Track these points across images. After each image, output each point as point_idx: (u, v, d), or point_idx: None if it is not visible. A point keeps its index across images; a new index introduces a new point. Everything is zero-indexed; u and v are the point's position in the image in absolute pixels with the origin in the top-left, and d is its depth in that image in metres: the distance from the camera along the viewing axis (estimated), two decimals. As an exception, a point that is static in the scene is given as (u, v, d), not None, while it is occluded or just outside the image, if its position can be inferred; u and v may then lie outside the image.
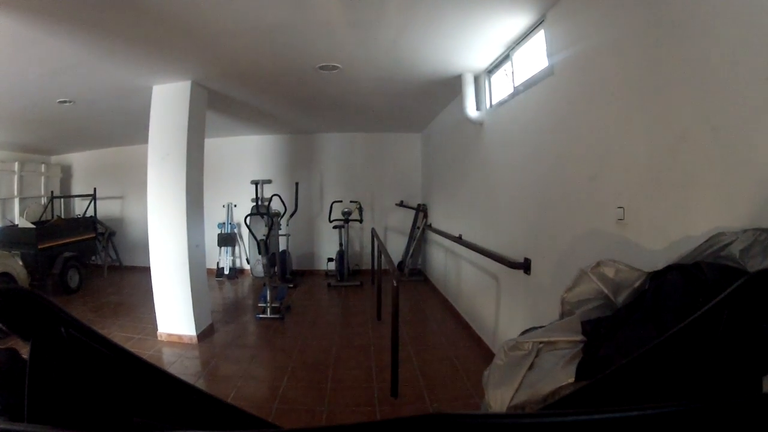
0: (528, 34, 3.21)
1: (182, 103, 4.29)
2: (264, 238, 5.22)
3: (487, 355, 3.83)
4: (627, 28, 2.01)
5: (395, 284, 2.84)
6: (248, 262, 7.61)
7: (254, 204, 7.35)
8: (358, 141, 7.93)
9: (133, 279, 7.62)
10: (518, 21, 3.04)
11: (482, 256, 3.98)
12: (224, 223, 7.88)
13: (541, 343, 1.50)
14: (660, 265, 1.31)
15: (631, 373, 0.56)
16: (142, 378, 0.54)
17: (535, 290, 3.02)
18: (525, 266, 3.12)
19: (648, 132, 1.86)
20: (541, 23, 2.98)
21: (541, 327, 2.04)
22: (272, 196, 5.99)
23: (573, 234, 2.51)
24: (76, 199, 8.51)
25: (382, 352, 3.95)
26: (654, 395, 0.55)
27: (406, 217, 7.71)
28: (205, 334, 4.48)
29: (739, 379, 0.52)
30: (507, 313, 3.59)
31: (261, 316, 5.00)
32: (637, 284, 1.36)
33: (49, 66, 3.64)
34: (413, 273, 7.24)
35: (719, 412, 0.33)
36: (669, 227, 1.71)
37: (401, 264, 7.35)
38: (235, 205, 7.93)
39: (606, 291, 1.50)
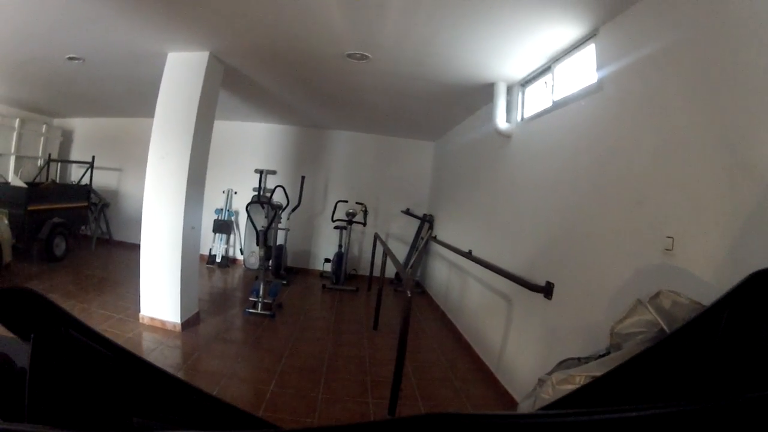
0: (576, 47, 3.03)
1: (197, 75, 4.04)
2: (264, 228, 4.94)
3: (489, 380, 3.61)
4: (687, 51, 1.94)
5: (409, 295, 2.58)
6: (242, 253, 7.32)
7: (256, 193, 7.07)
8: (369, 142, 7.70)
9: (121, 255, 7.32)
10: (567, 32, 2.87)
11: (492, 275, 3.77)
12: (222, 210, 7.59)
13: (594, 377, 1.30)
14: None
15: (631, 372, 0.56)
16: (142, 378, 0.54)
17: (555, 317, 2.80)
18: (546, 290, 2.89)
19: (706, 159, 1.74)
20: (592, 37, 2.81)
21: (579, 358, 1.83)
22: (276, 187, 5.73)
23: (609, 262, 2.31)
24: (74, 165, 8.23)
25: (378, 366, 3.69)
26: (654, 395, 0.54)
27: (409, 226, 7.47)
28: (189, 323, 4.20)
29: (740, 379, 0.50)
30: (517, 338, 3.36)
31: (251, 311, 4.71)
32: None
33: (60, 18, 3.42)
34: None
35: (719, 413, 0.31)
36: (725, 263, 1.54)
37: (399, 274, 7.08)
38: (236, 192, 7.65)
39: (662, 323, 1.35)
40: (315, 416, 2.82)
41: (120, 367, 0.51)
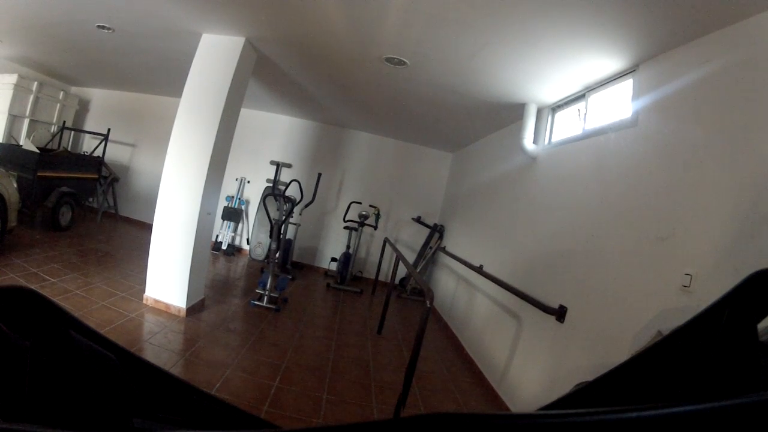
0: (613, 80, 3.06)
1: (230, 60, 3.99)
2: (279, 221, 4.89)
3: (490, 394, 3.61)
4: (724, 98, 2.02)
5: (429, 305, 2.54)
6: (248, 242, 7.27)
7: (270, 185, 7.04)
8: (388, 146, 7.68)
9: (126, 231, 7.27)
10: (606, 64, 2.90)
11: (502, 291, 3.79)
12: (233, 197, 7.54)
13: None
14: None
15: (630, 372, 0.56)
16: (143, 378, 0.53)
17: (566, 340, 2.82)
18: (559, 313, 2.90)
19: (733, 206, 1.81)
20: (631, 72, 2.84)
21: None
22: (291, 181, 5.69)
23: (627, 293, 2.35)
24: (87, 136, 8.15)
25: (382, 371, 3.66)
26: (653, 395, 0.55)
27: (418, 234, 7.44)
28: (194, 309, 4.15)
29: (740, 380, 0.50)
30: (523, 357, 3.35)
31: (256, 302, 4.67)
32: None
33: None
34: (414, 292, 6.94)
35: (719, 414, 0.31)
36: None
37: (404, 280, 7.06)
38: (249, 182, 7.61)
39: None
40: (320, 416, 2.78)
41: (120, 367, 0.51)
